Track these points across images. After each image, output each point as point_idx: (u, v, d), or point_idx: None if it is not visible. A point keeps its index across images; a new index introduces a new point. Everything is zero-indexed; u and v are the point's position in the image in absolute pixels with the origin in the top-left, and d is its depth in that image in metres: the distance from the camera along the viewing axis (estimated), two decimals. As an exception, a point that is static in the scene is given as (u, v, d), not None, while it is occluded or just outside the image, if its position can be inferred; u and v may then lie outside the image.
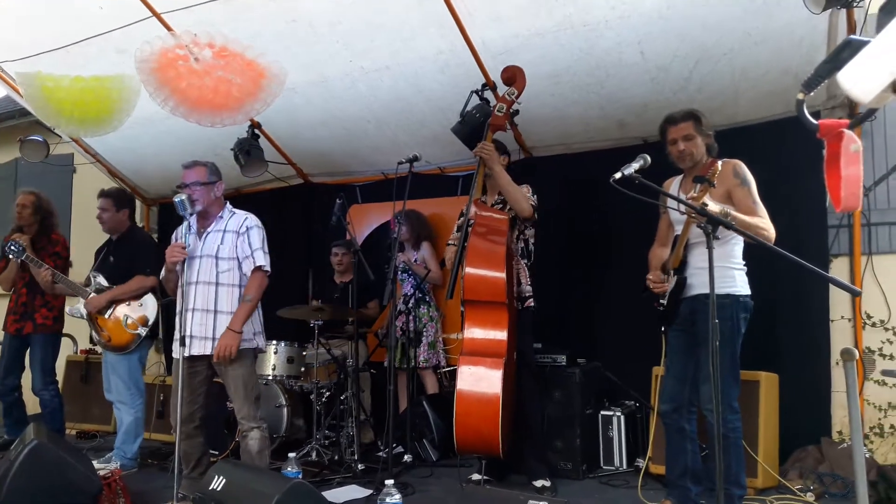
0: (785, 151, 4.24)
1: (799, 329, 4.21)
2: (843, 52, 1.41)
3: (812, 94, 1.53)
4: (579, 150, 4.96)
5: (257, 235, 3.53)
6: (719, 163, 2.79)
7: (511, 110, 3.92)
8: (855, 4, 3.17)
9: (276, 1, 4.07)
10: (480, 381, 3.64)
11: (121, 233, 4.61)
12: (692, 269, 3.17)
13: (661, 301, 3.25)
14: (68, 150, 6.47)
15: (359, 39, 4.35)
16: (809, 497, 3.61)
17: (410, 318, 4.76)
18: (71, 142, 5.90)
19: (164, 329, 4.55)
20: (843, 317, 4.27)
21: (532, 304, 3.95)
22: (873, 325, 4.25)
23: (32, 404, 4.84)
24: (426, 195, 5.27)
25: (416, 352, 4.83)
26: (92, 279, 4.50)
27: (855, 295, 2.38)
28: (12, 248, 4.45)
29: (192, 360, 3.43)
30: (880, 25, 1.44)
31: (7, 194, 6.81)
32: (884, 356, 4.22)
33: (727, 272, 3.06)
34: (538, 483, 3.82)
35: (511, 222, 3.84)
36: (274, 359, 4.79)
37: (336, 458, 4.45)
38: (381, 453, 4.56)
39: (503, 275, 3.65)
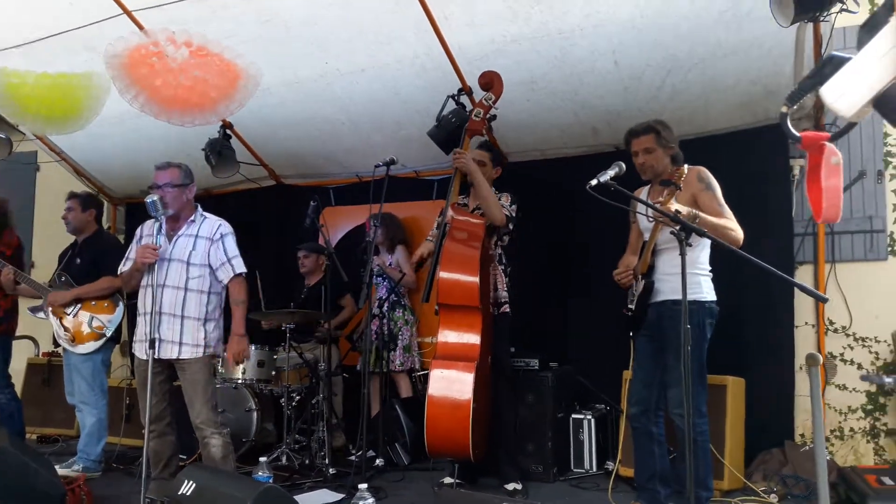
0: (752, 161, 4.34)
1: (765, 334, 4.31)
2: (826, 68, 1.46)
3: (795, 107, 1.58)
4: (554, 156, 5.01)
5: (232, 242, 3.56)
6: (685, 168, 2.86)
7: (488, 116, 3.94)
8: (821, 19, 3.25)
9: (249, 1, 4.04)
10: (452, 384, 3.65)
11: (86, 234, 4.54)
12: (660, 274, 3.24)
13: (630, 307, 3.30)
14: (32, 147, 6.32)
15: (334, 41, 4.33)
16: (773, 499, 3.69)
17: (385, 321, 4.75)
18: (35, 139, 5.77)
19: (130, 332, 4.48)
20: (807, 323, 4.37)
21: (508, 309, 3.97)
22: (835, 331, 4.36)
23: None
24: (401, 199, 5.26)
25: (390, 355, 4.82)
26: (57, 280, 4.41)
27: (823, 302, 2.45)
28: None
29: (154, 362, 3.39)
30: (861, 43, 1.49)
31: (-34, 193, 6.62)
32: (845, 361, 4.33)
33: (694, 278, 3.11)
34: (510, 486, 3.85)
35: (489, 228, 3.86)
36: (244, 362, 4.73)
37: (307, 462, 4.41)
38: (352, 457, 4.55)
39: (477, 279, 3.67)
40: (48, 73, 4.04)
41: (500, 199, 3.96)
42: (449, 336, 3.75)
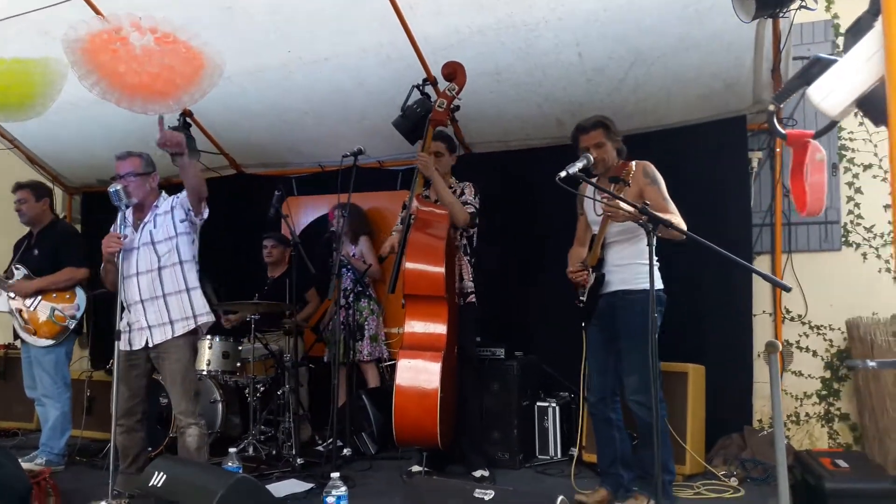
0: (712, 153, 4.43)
1: (724, 323, 4.41)
2: (813, 69, 1.51)
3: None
4: (517, 147, 5.03)
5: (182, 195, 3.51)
6: (633, 164, 2.92)
7: (452, 106, 3.94)
8: (781, 15, 3.33)
9: (211, -13, 3.97)
10: (419, 374, 3.67)
11: (42, 225, 4.43)
12: (609, 266, 3.33)
13: (581, 298, 3.38)
14: (-17, 134, 6.11)
15: (297, 30, 4.27)
16: (733, 482, 3.79)
17: (350, 311, 4.73)
18: (-14, 126, 5.59)
19: (91, 324, 4.39)
20: (764, 311, 4.50)
21: (474, 299, 4.00)
22: (791, 319, 4.50)
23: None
24: (365, 189, 5.21)
25: (357, 345, 4.81)
26: (14, 272, 4.30)
27: (786, 291, 2.52)
28: None
29: (130, 353, 3.39)
30: (846, 47, 1.55)
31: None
32: (801, 349, 4.48)
33: (641, 268, 3.15)
34: (477, 473, 3.89)
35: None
36: (209, 354, 4.67)
37: (273, 452, 4.39)
38: (319, 447, 4.54)
39: (442, 269, 3.68)
40: (2, 59, 3.90)
41: (463, 190, 3.97)
42: (416, 326, 3.77)
